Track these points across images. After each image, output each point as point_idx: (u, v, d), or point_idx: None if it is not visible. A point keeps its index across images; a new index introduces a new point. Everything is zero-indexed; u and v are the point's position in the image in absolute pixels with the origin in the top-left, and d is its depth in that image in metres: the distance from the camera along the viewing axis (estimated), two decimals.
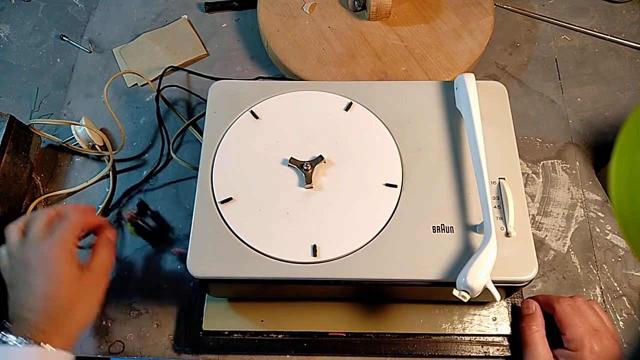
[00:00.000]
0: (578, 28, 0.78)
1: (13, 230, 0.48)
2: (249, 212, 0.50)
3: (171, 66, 0.73)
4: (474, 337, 0.56)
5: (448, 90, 0.57)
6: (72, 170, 0.68)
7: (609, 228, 0.63)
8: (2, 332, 0.43)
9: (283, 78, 0.72)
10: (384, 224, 0.49)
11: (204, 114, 0.69)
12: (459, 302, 0.45)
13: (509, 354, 0.55)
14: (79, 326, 0.47)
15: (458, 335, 0.56)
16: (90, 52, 0.77)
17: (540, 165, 0.67)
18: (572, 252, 0.62)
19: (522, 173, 0.58)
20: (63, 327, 0.45)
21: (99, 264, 0.50)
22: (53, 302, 0.45)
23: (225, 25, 0.79)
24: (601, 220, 0.64)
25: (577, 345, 0.50)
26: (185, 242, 0.61)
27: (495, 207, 0.49)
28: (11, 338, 0.42)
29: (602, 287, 0.60)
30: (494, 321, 0.56)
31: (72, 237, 0.48)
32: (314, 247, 0.48)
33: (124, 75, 0.74)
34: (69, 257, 0.46)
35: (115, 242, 0.53)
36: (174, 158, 0.66)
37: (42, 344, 0.42)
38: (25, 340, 0.42)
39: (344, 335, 0.56)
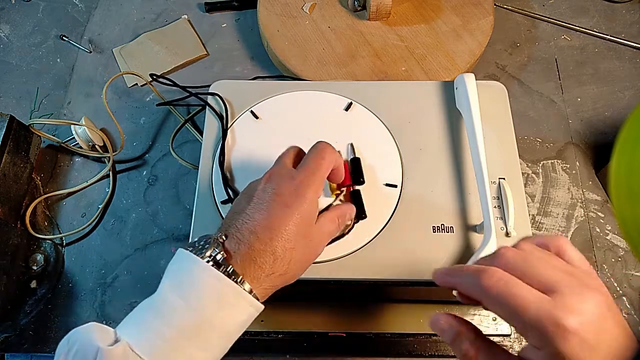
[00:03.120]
0: (578, 28, 0.78)
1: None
2: None
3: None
4: None
5: (448, 90, 0.57)
6: (72, 170, 0.68)
7: (609, 228, 0.63)
8: (203, 244, 0.38)
9: (283, 78, 0.72)
10: (384, 224, 0.49)
11: (200, 110, 0.70)
12: (458, 303, 0.45)
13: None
14: (279, 277, 0.40)
15: None
16: (91, 52, 0.77)
17: (540, 165, 0.67)
18: None
19: (522, 173, 0.58)
20: (263, 271, 0.38)
21: (331, 221, 0.43)
22: (270, 235, 0.38)
23: (225, 25, 0.79)
24: (601, 220, 0.64)
25: (540, 333, 0.31)
26: (185, 242, 0.61)
27: (495, 207, 0.49)
28: (208, 254, 0.37)
29: None
30: (494, 321, 0.56)
31: (322, 183, 0.42)
32: None
33: (124, 75, 0.74)
34: (312, 204, 0.41)
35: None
36: (174, 156, 0.66)
37: (239, 280, 0.37)
38: (223, 267, 0.37)
39: (344, 335, 0.56)
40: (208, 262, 0.37)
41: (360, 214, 0.48)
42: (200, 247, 0.38)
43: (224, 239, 0.39)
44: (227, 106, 0.56)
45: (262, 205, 0.40)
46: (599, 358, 0.30)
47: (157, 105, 0.70)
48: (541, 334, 0.31)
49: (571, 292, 0.31)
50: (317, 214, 0.42)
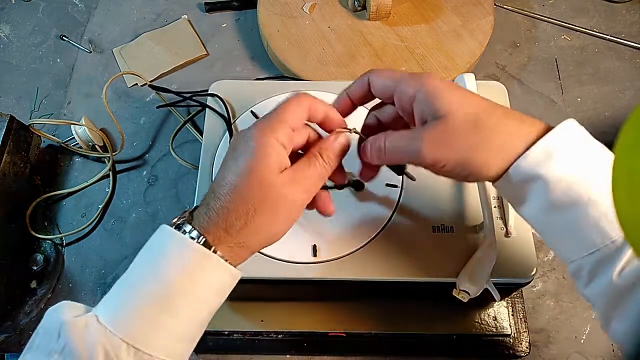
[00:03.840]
0: (578, 28, 0.78)
1: None
2: None
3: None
4: (474, 337, 0.56)
5: None
6: (72, 170, 0.68)
7: None
8: (184, 219, 0.37)
9: (283, 78, 0.72)
10: (384, 224, 0.49)
11: (200, 111, 0.70)
12: (459, 302, 0.45)
13: (510, 354, 0.55)
14: (255, 241, 0.37)
15: (458, 335, 0.56)
16: (91, 52, 0.77)
17: None
18: None
19: None
20: (238, 233, 0.36)
21: (308, 178, 0.38)
22: (237, 196, 0.36)
23: (225, 25, 0.79)
24: None
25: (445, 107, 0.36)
26: None
27: (495, 207, 0.49)
28: (188, 227, 0.36)
29: None
30: (495, 321, 0.56)
31: (285, 125, 0.37)
32: (314, 247, 0.48)
33: (124, 75, 0.74)
34: (271, 149, 0.36)
35: (335, 161, 0.40)
36: (174, 157, 0.66)
37: (212, 246, 0.35)
38: (197, 235, 0.35)
39: (344, 335, 0.56)
40: (173, 227, 0.36)
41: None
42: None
43: (196, 205, 0.38)
44: (227, 106, 0.56)
45: (224, 162, 0.38)
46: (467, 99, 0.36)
47: (158, 107, 0.70)
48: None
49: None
50: (284, 169, 0.37)
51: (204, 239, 0.35)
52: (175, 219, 0.37)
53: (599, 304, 0.37)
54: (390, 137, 0.39)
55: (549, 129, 0.36)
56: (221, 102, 0.56)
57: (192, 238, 0.35)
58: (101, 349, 0.32)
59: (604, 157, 0.36)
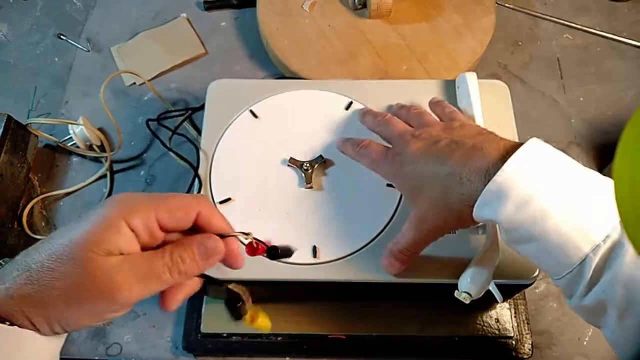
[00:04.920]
0: (580, 27, 0.77)
1: None
2: (248, 213, 0.49)
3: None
4: (476, 339, 0.55)
5: (449, 89, 0.56)
6: (69, 170, 0.67)
7: None
8: None
9: (283, 77, 0.72)
10: (385, 225, 0.48)
11: (198, 109, 0.69)
12: (460, 304, 0.45)
13: (512, 356, 0.55)
14: (54, 317, 0.31)
15: (460, 337, 0.55)
16: (89, 51, 0.77)
17: None
18: None
19: None
20: (34, 305, 0.31)
21: (141, 269, 0.32)
22: (54, 272, 0.31)
23: (224, 23, 0.79)
24: None
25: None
26: None
27: None
28: None
29: None
30: (497, 323, 0.56)
31: (149, 214, 0.32)
32: (314, 248, 0.47)
33: (122, 74, 0.73)
34: (112, 227, 0.31)
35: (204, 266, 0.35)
36: (172, 156, 0.66)
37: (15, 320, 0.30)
38: None
39: (344, 337, 0.55)
40: None
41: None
42: None
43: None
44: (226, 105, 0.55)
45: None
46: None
47: (148, 121, 0.68)
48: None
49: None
50: (125, 245, 0.32)
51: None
52: None
53: (583, 317, 0.41)
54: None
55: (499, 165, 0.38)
56: (226, 100, 0.55)
57: None
58: None
59: (552, 175, 0.37)
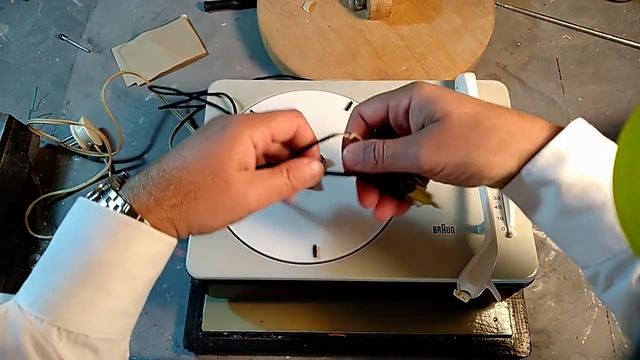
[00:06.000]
0: (579, 27, 0.77)
1: None
2: None
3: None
4: (475, 338, 0.55)
5: None
6: (71, 170, 0.68)
7: None
8: (109, 185, 0.34)
9: (283, 77, 0.72)
10: (385, 225, 0.49)
11: (199, 109, 0.69)
12: (459, 303, 0.45)
13: (511, 355, 0.55)
14: (184, 224, 0.34)
15: (459, 335, 0.55)
16: (90, 51, 0.77)
17: None
18: None
19: None
20: (170, 209, 0.34)
21: (265, 187, 0.36)
22: (185, 173, 0.34)
23: (224, 24, 0.79)
24: None
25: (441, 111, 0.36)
26: (185, 242, 0.61)
27: (496, 207, 0.48)
28: (112, 194, 0.33)
29: None
30: (495, 321, 0.56)
31: (266, 129, 0.36)
32: (314, 248, 0.47)
33: (123, 74, 0.73)
34: (241, 142, 0.34)
35: (310, 180, 0.39)
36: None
37: (138, 214, 0.33)
38: (122, 203, 0.33)
39: (344, 336, 0.56)
40: (97, 193, 0.34)
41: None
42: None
43: (127, 175, 0.36)
44: (235, 104, 0.55)
45: (189, 137, 0.37)
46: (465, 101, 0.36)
47: (160, 108, 0.69)
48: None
49: None
50: (251, 159, 0.36)
51: (128, 207, 0.33)
52: (101, 185, 0.34)
53: (617, 311, 0.36)
54: (387, 143, 0.37)
55: (553, 127, 0.35)
56: (227, 99, 0.55)
57: (116, 207, 0.33)
58: (28, 337, 0.30)
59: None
